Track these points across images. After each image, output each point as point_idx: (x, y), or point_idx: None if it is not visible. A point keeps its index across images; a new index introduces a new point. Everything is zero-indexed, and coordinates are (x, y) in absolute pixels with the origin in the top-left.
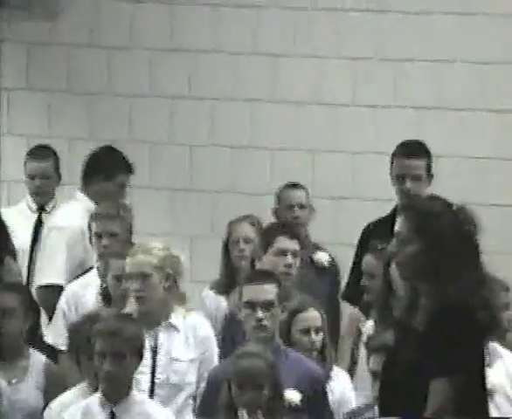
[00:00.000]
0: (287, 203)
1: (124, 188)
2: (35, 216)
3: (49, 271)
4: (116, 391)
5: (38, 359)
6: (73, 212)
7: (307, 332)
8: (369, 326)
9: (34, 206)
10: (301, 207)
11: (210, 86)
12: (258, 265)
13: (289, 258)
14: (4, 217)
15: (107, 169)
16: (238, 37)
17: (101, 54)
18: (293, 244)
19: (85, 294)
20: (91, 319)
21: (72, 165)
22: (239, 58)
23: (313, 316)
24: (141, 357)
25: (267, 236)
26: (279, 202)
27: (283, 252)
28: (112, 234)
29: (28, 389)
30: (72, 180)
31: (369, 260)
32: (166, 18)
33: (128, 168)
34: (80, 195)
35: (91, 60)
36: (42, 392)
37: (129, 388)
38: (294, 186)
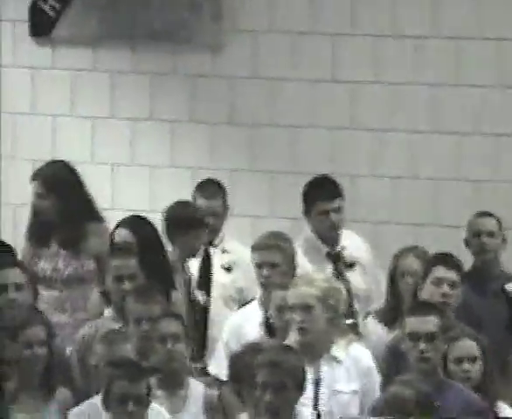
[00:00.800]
0: (475, 231)
1: (327, 215)
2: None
3: None
4: None
5: (196, 388)
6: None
7: (460, 361)
8: None
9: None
10: (490, 235)
11: (370, 117)
12: (418, 295)
13: (446, 288)
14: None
15: (306, 198)
16: (398, 68)
17: (263, 86)
18: (450, 274)
19: (246, 325)
20: (252, 349)
21: (235, 196)
22: (397, 88)
23: (467, 345)
24: (302, 389)
25: (427, 265)
26: (469, 231)
27: (440, 281)
28: (272, 264)
29: (188, 418)
30: (235, 211)
31: None
32: (327, 50)
33: (329, 195)
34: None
35: (253, 92)
36: None
37: None
38: (484, 214)
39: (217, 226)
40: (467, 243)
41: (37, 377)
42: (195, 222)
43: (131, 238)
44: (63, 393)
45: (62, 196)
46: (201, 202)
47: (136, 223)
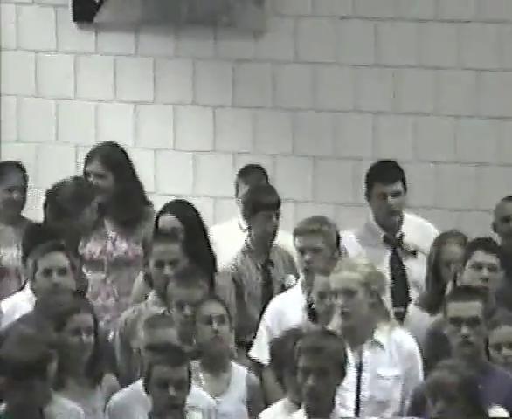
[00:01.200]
0: (503, 215)
1: (385, 198)
2: (244, 235)
3: None
4: (319, 407)
5: (239, 372)
6: None
7: (499, 347)
8: None
9: (244, 225)
10: None
11: (412, 101)
12: (458, 280)
13: (486, 272)
14: (213, 234)
15: (367, 180)
16: (441, 52)
17: (306, 70)
18: (489, 258)
19: (287, 310)
20: (294, 334)
21: (277, 181)
22: (441, 73)
23: (506, 331)
24: (344, 374)
25: (467, 250)
26: (497, 215)
27: (480, 266)
28: (315, 249)
29: (231, 402)
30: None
31: None
32: (370, 35)
33: (388, 178)
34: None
35: (296, 77)
36: (245, 405)
37: (332, 404)
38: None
39: None
40: (496, 227)
41: (84, 364)
42: (262, 205)
43: (177, 223)
44: (109, 380)
45: (118, 177)
46: (243, 187)
47: (182, 208)
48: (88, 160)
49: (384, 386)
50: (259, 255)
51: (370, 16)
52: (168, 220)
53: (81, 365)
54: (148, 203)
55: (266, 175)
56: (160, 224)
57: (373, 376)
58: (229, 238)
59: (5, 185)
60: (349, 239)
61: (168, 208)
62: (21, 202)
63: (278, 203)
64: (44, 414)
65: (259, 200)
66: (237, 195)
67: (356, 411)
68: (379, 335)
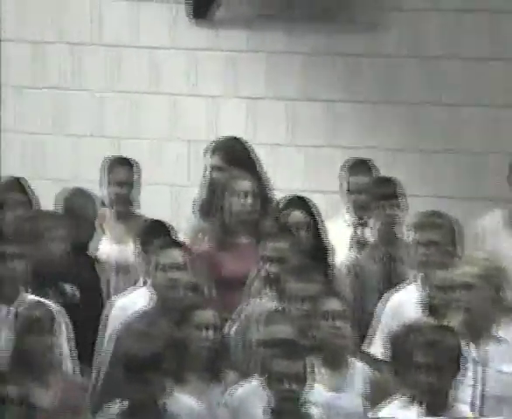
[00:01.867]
0: None
1: None
2: (350, 229)
3: None
4: (435, 403)
5: (358, 367)
6: None
7: None
8: None
9: (351, 220)
10: None
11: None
12: None
13: None
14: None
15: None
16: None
17: (424, 64)
18: None
19: (404, 304)
20: (411, 329)
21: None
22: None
23: None
24: (459, 369)
25: None
26: None
27: None
28: (433, 243)
29: (349, 398)
30: None
31: None
32: (490, 26)
33: None
34: None
35: (413, 71)
36: (363, 400)
37: (449, 399)
38: None
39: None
40: None
41: (205, 359)
42: (378, 196)
43: (306, 218)
44: (229, 375)
45: (240, 170)
46: (352, 180)
47: (306, 204)
48: (211, 154)
49: (505, 381)
50: (378, 247)
51: (489, 7)
52: (298, 215)
53: (203, 360)
54: (272, 200)
55: (371, 169)
56: (289, 220)
57: (494, 371)
58: (336, 234)
59: (114, 181)
60: (496, 217)
61: (293, 203)
62: (130, 198)
63: (395, 195)
64: (162, 408)
65: (376, 191)
66: (344, 190)
67: (476, 406)
68: (500, 330)
